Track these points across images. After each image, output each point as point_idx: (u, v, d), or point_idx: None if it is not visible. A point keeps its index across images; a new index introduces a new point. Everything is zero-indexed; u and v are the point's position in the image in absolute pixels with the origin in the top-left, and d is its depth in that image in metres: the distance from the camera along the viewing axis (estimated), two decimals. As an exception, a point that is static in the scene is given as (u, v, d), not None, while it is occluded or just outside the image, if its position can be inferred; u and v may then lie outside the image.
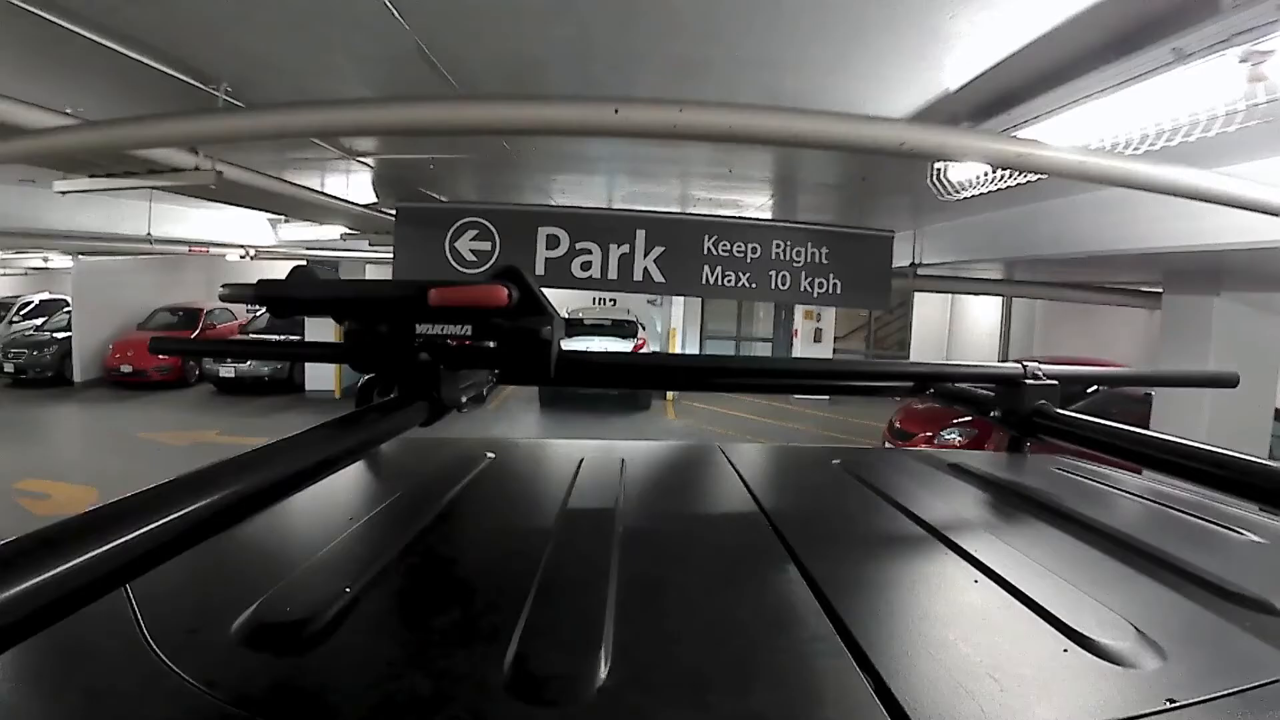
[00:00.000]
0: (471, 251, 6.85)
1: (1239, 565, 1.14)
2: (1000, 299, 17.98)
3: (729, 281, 7.00)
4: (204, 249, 12.72)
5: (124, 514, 0.64)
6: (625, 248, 6.81)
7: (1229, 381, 1.89)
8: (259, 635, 0.80)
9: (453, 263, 6.82)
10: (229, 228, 13.23)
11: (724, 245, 7.01)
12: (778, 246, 7.01)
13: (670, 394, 18.00)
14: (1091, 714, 0.72)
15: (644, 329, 17.85)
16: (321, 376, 17.21)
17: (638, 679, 0.75)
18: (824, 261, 7.11)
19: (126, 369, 17.67)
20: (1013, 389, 1.61)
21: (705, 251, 6.95)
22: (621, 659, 0.77)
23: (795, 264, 7.02)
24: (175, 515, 0.68)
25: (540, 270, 6.72)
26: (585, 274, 6.82)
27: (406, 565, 1.03)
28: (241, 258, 14.08)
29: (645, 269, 6.85)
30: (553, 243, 6.74)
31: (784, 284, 7.09)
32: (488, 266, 6.66)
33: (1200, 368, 7.22)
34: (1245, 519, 1.34)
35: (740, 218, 7.52)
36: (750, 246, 7.00)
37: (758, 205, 8.31)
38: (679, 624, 0.90)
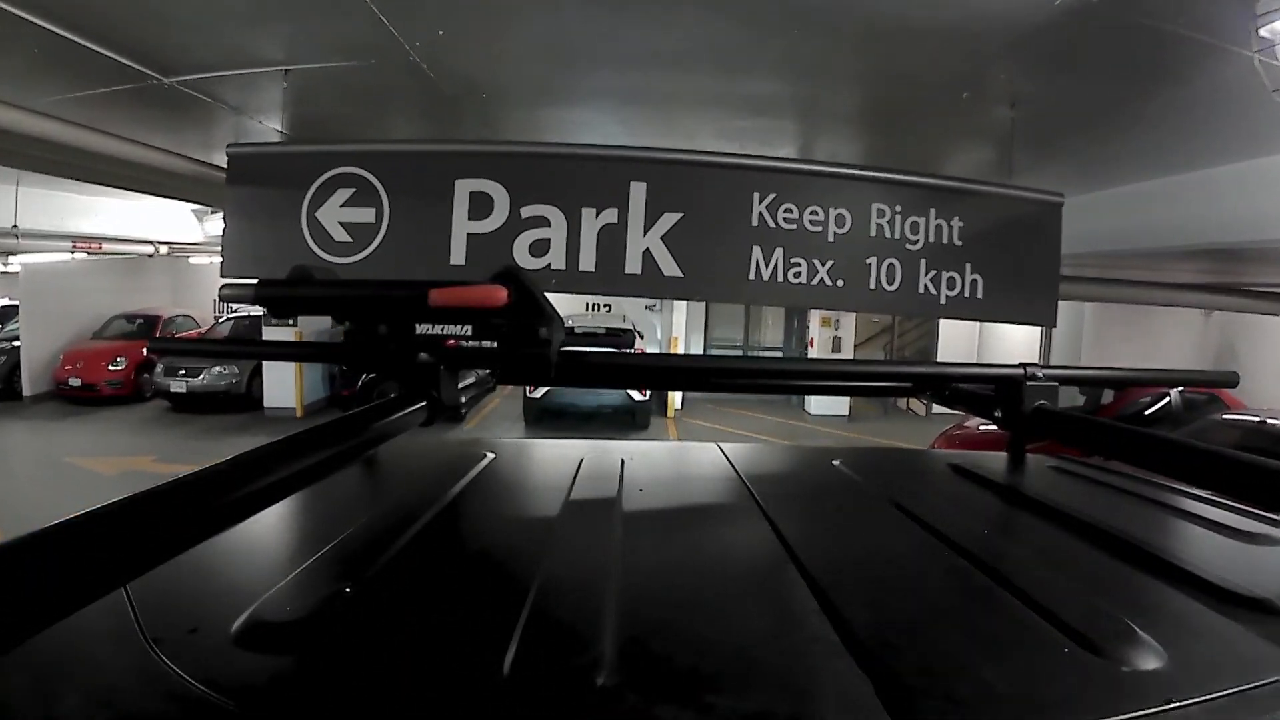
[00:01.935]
0: (343, 225, 3.56)
1: (1239, 565, 1.10)
2: None
3: (796, 275, 3.60)
4: (95, 244, 9.53)
5: (124, 514, 0.63)
6: (611, 214, 3.47)
7: (1229, 382, 1.77)
8: (259, 635, 0.76)
9: (313, 245, 3.54)
10: (141, 220, 10.14)
11: (788, 211, 3.60)
12: (881, 215, 3.68)
13: (671, 411, 15.31)
14: (1092, 714, 0.68)
15: (642, 338, 14.70)
16: (281, 393, 14.51)
17: (637, 678, 0.71)
18: (956, 241, 3.78)
19: (75, 382, 15.18)
20: (1013, 389, 1.48)
21: (755, 221, 3.56)
22: (621, 658, 0.74)
23: (911, 245, 3.71)
24: (175, 515, 0.67)
25: (459, 258, 3.43)
26: (539, 261, 3.46)
27: (406, 565, 0.99)
28: (150, 255, 10.94)
29: (647, 252, 3.48)
30: (481, 207, 3.44)
31: (891, 281, 3.73)
32: (368, 252, 3.48)
33: None
34: (1244, 519, 1.26)
35: (816, 164, 3.81)
36: (834, 214, 3.63)
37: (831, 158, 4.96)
38: (679, 624, 0.85)
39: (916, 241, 3.67)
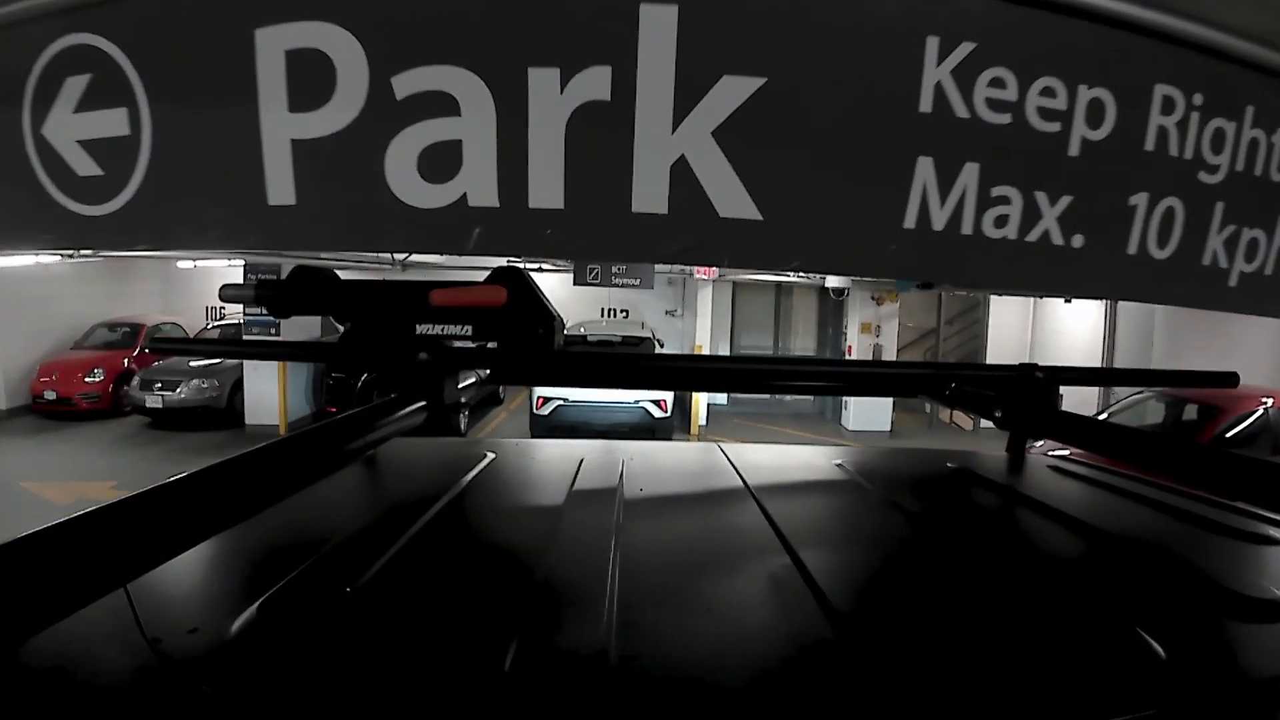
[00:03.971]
0: (85, 147, 1.70)
1: (1237, 565, 1.08)
2: (1103, 303, 13.24)
3: (1001, 222, 1.43)
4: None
5: (124, 514, 0.63)
6: (596, 81, 1.28)
7: (1229, 381, 1.70)
8: (259, 635, 0.76)
9: (50, 187, 1.69)
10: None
11: (997, 84, 1.36)
12: (1168, 108, 1.48)
13: (695, 428, 13.53)
14: (1093, 714, 0.68)
15: (662, 347, 12.74)
16: (264, 409, 13.00)
17: (638, 676, 0.71)
18: (1274, 174, 1.62)
19: (50, 395, 13.93)
20: (1015, 390, 1.44)
21: (927, 102, 1.34)
22: (622, 656, 0.73)
23: (1208, 173, 1.55)
24: (175, 515, 0.67)
25: (282, 195, 1.55)
26: (441, 191, 1.31)
27: (407, 564, 0.97)
28: (69, 255, 9.37)
29: (682, 164, 1.29)
30: (312, 82, 1.33)
31: (1164, 240, 1.55)
32: (128, 195, 1.60)
33: None
34: (1244, 519, 1.22)
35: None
36: (1086, 98, 1.41)
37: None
38: (679, 622, 0.84)
39: (1216, 167, 1.73)
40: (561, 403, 11.23)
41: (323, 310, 1.23)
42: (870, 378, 1.85)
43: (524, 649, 0.72)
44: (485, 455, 1.48)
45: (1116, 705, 0.67)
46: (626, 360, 2.09)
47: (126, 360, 14.34)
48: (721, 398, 14.78)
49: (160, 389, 13.02)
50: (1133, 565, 1.03)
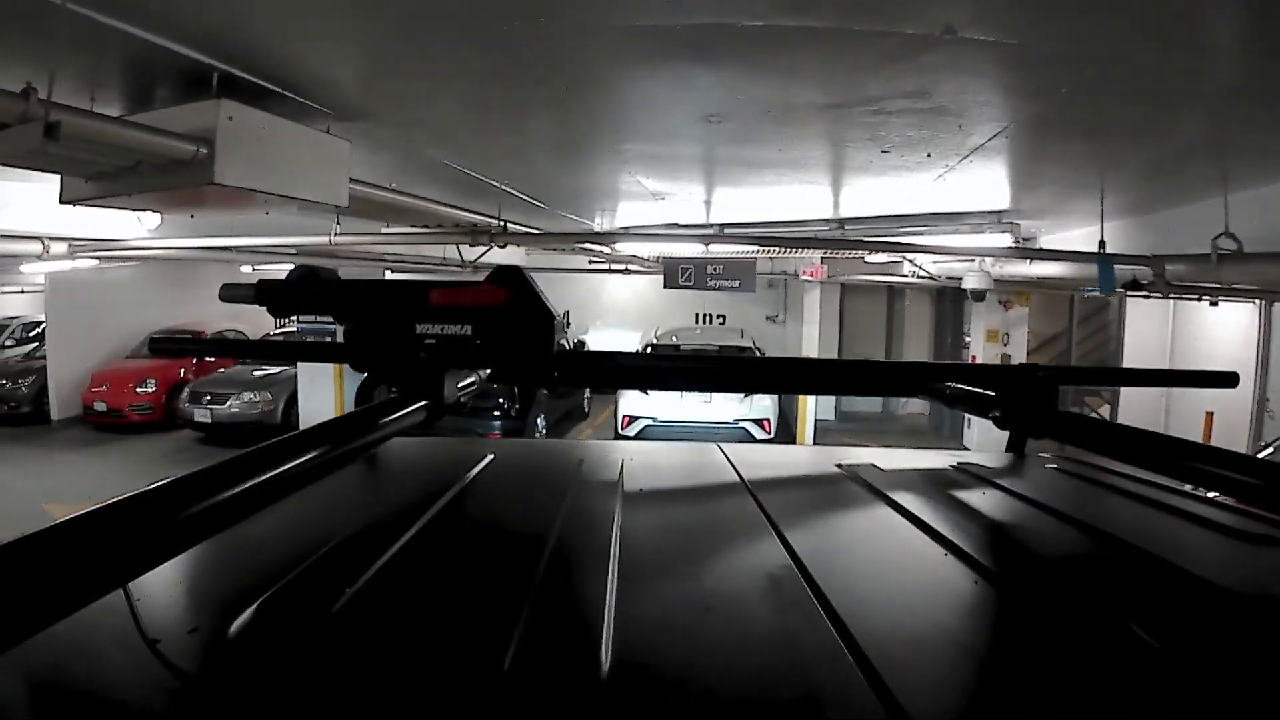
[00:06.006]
0: None
1: (1240, 566, 1.06)
2: (1257, 304, 11.11)
3: None
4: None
5: (124, 514, 0.59)
6: None
7: (1229, 381, 1.66)
8: (259, 635, 0.73)
9: None
10: (34, 209, 6.91)
11: None
12: None
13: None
14: (1095, 716, 0.64)
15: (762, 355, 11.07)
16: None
17: (638, 679, 0.67)
18: None
19: (101, 407, 12.77)
20: (1013, 389, 1.40)
21: None
22: (622, 659, 0.68)
23: None
24: (175, 515, 0.63)
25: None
26: None
27: (406, 565, 0.93)
28: (39, 256, 7.94)
29: None
30: None
31: None
32: None
33: None
34: (1246, 520, 1.18)
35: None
36: None
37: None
38: (680, 623, 0.80)
39: None
40: (651, 422, 9.65)
41: (323, 310, 1.21)
42: (865, 377, 1.81)
43: (524, 649, 0.67)
44: (485, 455, 1.43)
45: (1120, 707, 0.64)
46: (618, 359, 1.84)
47: (182, 370, 13.10)
48: (829, 414, 13.11)
49: (210, 402, 11.80)
50: (1133, 565, 0.97)
